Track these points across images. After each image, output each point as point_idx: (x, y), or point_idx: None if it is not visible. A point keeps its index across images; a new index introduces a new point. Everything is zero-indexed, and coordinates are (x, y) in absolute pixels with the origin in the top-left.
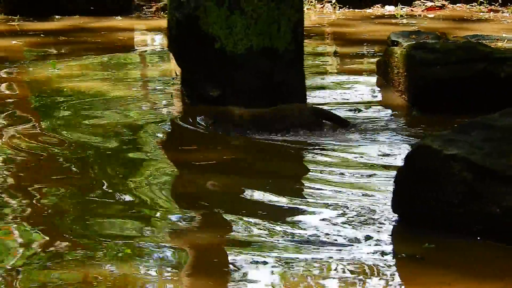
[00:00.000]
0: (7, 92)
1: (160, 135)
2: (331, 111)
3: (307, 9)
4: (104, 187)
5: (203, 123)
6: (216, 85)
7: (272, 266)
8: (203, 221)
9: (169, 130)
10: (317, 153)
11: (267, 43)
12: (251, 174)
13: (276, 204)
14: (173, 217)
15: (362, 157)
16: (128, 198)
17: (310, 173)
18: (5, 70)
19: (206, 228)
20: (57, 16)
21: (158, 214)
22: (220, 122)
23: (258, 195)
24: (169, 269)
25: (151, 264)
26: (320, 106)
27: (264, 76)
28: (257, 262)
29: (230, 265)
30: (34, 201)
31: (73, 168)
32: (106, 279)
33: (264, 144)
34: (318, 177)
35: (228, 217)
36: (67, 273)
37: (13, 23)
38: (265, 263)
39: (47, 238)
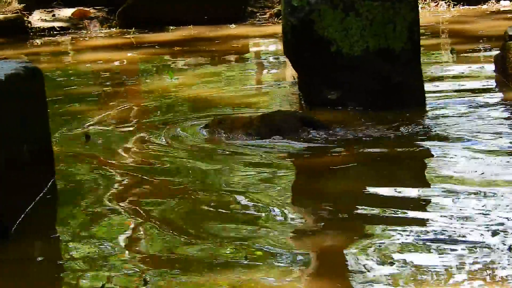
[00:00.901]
0: (126, 103)
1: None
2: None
3: (421, 8)
4: (225, 190)
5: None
6: (333, 87)
7: (401, 267)
8: (327, 223)
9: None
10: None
11: (383, 44)
12: (370, 178)
13: (399, 204)
14: (295, 220)
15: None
16: (250, 202)
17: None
18: (122, 82)
19: (330, 230)
20: (171, 27)
21: (280, 217)
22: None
23: (380, 196)
24: (294, 272)
25: (278, 266)
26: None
27: (381, 77)
28: (383, 263)
29: (356, 266)
30: (158, 207)
31: (193, 174)
32: (233, 284)
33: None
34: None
35: (351, 218)
36: (195, 278)
37: (128, 36)
38: (391, 263)
39: (170, 242)
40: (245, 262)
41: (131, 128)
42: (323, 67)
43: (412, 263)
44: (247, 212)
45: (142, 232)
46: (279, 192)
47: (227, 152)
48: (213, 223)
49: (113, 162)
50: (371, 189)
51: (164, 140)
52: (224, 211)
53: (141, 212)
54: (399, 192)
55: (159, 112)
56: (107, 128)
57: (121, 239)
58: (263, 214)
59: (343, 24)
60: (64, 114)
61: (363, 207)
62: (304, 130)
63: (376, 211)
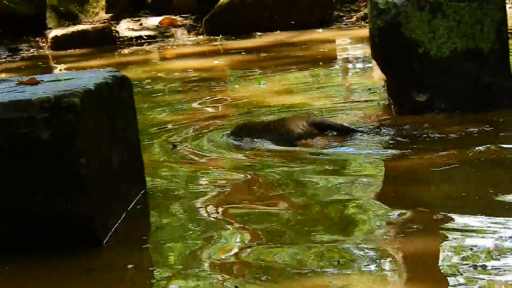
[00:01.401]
0: (213, 110)
1: (369, 142)
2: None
3: (509, 8)
4: (311, 194)
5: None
6: (422, 90)
7: (496, 274)
8: (421, 227)
9: (379, 137)
10: None
11: (471, 45)
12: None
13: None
14: (388, 221)
15: None
16: (338, 206)
17: None
18: (210, 89)
19: (424, 234)
20: (258, 33)
21: (371, 221)
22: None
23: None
24: (387, 277)
25: (370, 271)
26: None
27: (470, 78)
28: (475, 267)
29: (448, 270)
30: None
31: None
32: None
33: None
34: None
35: (445, 222)
36: (286, 284)
37: (215, 43)
38: (484, 266)
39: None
40: (336, 268)
41: (219, 136)
42: (411, 69)
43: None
44: (335, 216)
45: (232, 240)
46: (368, 195)
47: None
48: (301, 227)
49: (203, 170)
50: (471, 193)
51: (252, 147)
52: (311, 215)
53: (231, 219)
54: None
55: (247, 119)
56: (197, 135)
57: (211, 247)
58: (354, 218)
59: (430, 26)
60: (152, 122)
61: (460, 211)
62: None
63: (473, 215)
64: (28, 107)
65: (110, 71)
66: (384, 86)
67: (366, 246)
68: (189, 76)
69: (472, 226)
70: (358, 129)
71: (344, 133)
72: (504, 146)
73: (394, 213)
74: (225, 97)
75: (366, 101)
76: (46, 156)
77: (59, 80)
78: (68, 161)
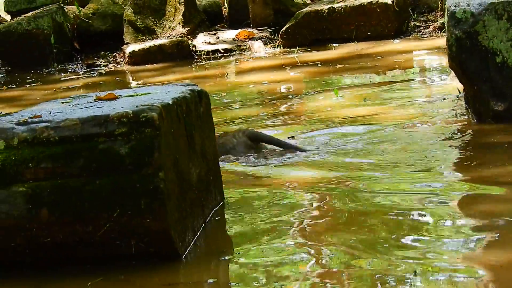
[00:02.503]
0: (290, 123)
1: (451, 155)
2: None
3: None
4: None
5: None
6: (501, 99)
7: None
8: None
9: (459, 149)
10: None
11: None
12: None
13: None
14: (474, 232)
15: None
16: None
17: None
18: (287, 102)
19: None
20: (334, 45)
21: (454, 231)
22: None
23: None
24: None
25: (455, 283)
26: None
27: None
28: None
29: None
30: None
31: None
32: None
33: None
34: None
35: None
36: None
37: (292, 55)
38: None
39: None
40: (416, 277)
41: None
42: (488, 78)
43: None
44: (416, 224)
45: (312, 252)
46: (451, 206)
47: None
48: (382, 236)
49: (280, 182)
50: None
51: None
52: (391, 224)
53: (312, 232)
54: None
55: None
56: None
57: (292, 258)
58: (435, 227)
59: (508, 34)
60: None
61: None
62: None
63: None
64: (107, 122)
65: (187, 85)
66: (458, 96)
67: (446, 257)
68: (266, 88)
69: None
70: (302, 148)
71: (284, 148)
72: None
73: (473, 220)
74: (302, 109)
75: (443, 111)
76: (125, 170)
77: (137, 95)
78: (146, 175)
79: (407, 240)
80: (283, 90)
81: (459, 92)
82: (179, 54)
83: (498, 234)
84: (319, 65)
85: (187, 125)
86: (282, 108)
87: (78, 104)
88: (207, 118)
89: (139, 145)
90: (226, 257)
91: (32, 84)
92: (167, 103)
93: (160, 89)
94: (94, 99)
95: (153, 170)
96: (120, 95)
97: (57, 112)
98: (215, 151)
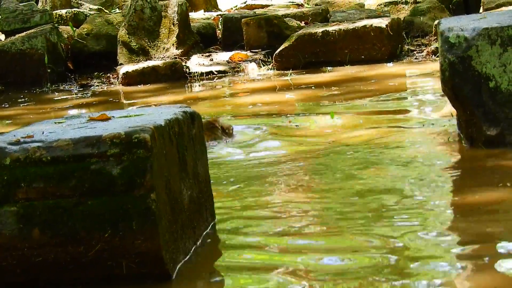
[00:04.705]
0: (287, 145)
1: (442, 179)
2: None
3: None
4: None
5: None
6: (493, 124)
7: None
8: None
9: (451, 173)
10: None
11: None
12: None
13: None
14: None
15: None
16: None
17: None
18: (280, 125)
19: None
20: (328, 68)
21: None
22: None
23: None
24: None
25: None
26: None
27: None
28: None
29: None
30: None
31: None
32: None
33: None
34: None
35: None
36: None
37: (286, 78)
38: None
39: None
40: None
41: (289, 167)
42: (481, 103)
43: None
44: (404, 246)
45: (312, 276)
46: (440, 230)
47: None
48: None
49: (270, 202)
50: None
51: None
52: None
53: (306, 252)
54: None
55: (322, 157)
56: (254, 169)
57: (283, 280)
58: (423, 250)
59: (501, 60)
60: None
61: None
62: None
63: None
64: (99, 143)
65: (180, 107)
66: (449, 120)
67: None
68: (260, 111)
69: None
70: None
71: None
72: None
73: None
74: (297, 132)
75: (435, 135)
76: (117, 191)
77: (130, 116)
78: (138, 196)
79: (392, 259)
80: (278, 112)
81: (452, 116)
82: (173, 76)
83: (488, 259)
84: (313, 87)
85: (180, 146)
86: (278, 131)
87: (71, 125)
88: (200, 140)
89: (131, 166)
90: (217, 279)
91: (26, 104)
92: (159, 125)
93: (153, 111)
94: (87, 120)
95: (145, 191)
96: (113, 116)
97: (50, 132)
98: (207, 173)
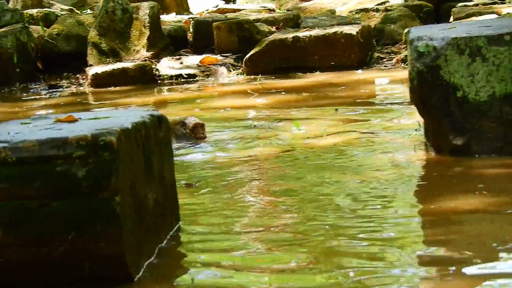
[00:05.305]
0: (251, 153)
1: (407, 186)
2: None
3: None
4: None
5: None
6: (460, 133)
7: None
8: None
9: (416, 181)
10: None
11: (510, 89)
12: None
13: None
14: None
15: None
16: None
17: None
18: (250, 128)
19: None
20: (298, 74)
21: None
22: None
23: None
24: None
25: None
26: None
27: (508, 123)
28: None
29: None
30: None
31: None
32: None
33: None
34: None
35: None
36: None
37: (255, 83)
38: None
39: None
40: None
41: (256, 171)
42: (449, 113)
43: None
44: (370, 252)
45: (274, 276)
46: (406, 235)
47: None
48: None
49: (235, 206)
50: None
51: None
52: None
53: (273, 255)
54: None
55: (289, 161)
56: (222, 172)
57: (249, 282)
58: (388, 256)
59: (470, 69)
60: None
61: None
62: None
63: None
64: (65, 144)
65: (148, 110)
66: (417, 129)
67: None
68: (230, 115)
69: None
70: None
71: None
72: None
73: None
74: (268, 136)
75: (402, 143)
76: (82, 194)
77: (97, 118)
78: (103, 199)
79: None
80: (246, 117)
81: (419, 125)
82: (143, 78)
83: (454, 268)
84: (283, 93)
85: (146, 150)
86: (246, 135)
87: (38, 126)
88: (166, 144)
89: (97, 169)
90: (180, 283)
91: None
92: (126, 128)
93: (120, 113)
94: (54, 121)
95: (110, 194)
96: (80, 118)
97: (16, 133)
98: (172, 177)
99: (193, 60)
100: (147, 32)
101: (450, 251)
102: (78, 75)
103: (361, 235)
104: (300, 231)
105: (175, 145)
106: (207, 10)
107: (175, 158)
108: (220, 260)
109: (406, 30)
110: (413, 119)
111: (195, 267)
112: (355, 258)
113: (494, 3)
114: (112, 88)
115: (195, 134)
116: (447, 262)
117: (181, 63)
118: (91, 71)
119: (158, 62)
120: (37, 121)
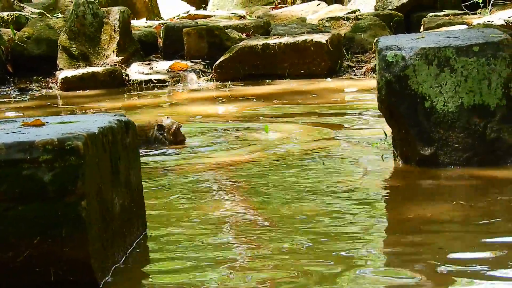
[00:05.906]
0: (222, 160)
1: (375, 195)
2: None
3: None
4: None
5: None
6: (427, 144)
7: None
8: None
9: (386, 191)
10: None
11: (478, 100)
12: None
13: None
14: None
15: None
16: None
17: None
18: (219, 135)
19: None
20: (268, 81)
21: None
22: None
23: None
24: None
25: None
26: None
27: (475, 133)
28: None
29: None
30: None
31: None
32: None
33: None
34: None
35: None
36: None
37: (225, 89)
38: None
39: None
40: None
41: (225, 177)
42: (416, 123)
43: None
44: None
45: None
46: (372, 244)
47: None
48: None
49: (202, 213)
50: None
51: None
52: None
53: (238, 263)
54: None
55: (259, 167)
56: (193, 178)
57: None
58: (357, 260)
59: (438, 80)
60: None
61: None
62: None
63: None
64: (32, 148)
65: (115, 115)
66: (382, 139)
67: None
68: (199, 120)
69: None
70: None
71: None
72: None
73: None
74: (237, 142)
75: (369, 153)
76: (48, 198)
77: (64, 123)
78: (69, 203)
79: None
80: (215, 123)
81: (386, 135)
82: (112, 83)
83: (421, 278)
84: (254, 100)
85: (113, 155)
86: (215, 141)
87: (5, 129)
88: (133, 149)
89: (63, 173)
90: (144, 287)
91: None
92: (93, 132)
93: (87, 118)
94: (21, 125)
95: (76, 199)
96: (47, 122)
97: None
98: (139, 182)
99: (163, 65)
100: (117, 37)
101: (414, 262)
102: (48, 79)
103: (318, 248)
104: (264, 238)
105: (143, 150)
106: (178, 15)
107: (144, 163)
108: (185, 267)
109: (375, 40)
110: (381, 128)
111: (161, 273)
112: (328, 261)
113: (465, 13)
114: (81, 92)
115: (176, 137)
116: (418, 266)
117: (151, 68)
118: (61, 75)
119: (128, 67)
120: (4, 125)
